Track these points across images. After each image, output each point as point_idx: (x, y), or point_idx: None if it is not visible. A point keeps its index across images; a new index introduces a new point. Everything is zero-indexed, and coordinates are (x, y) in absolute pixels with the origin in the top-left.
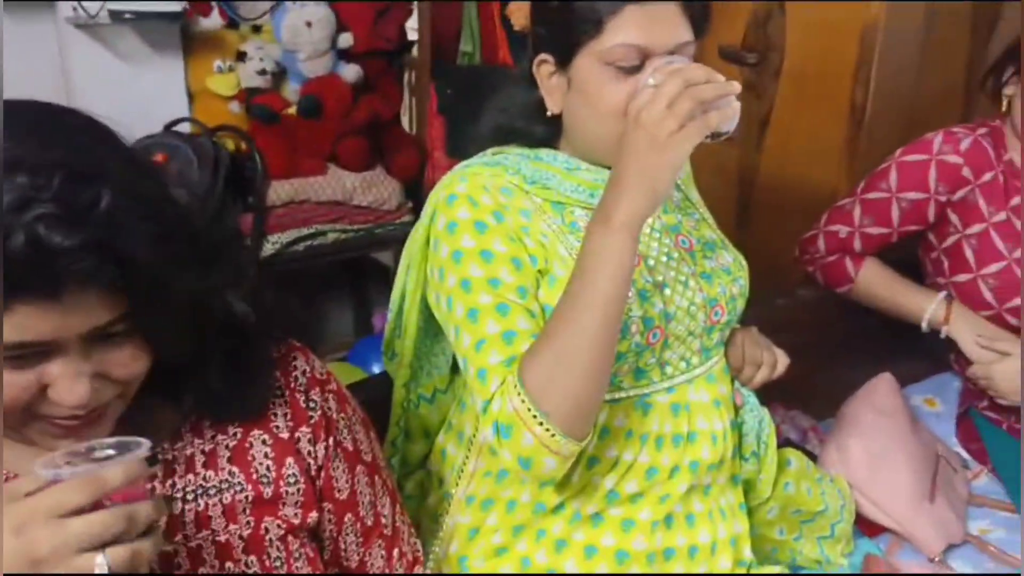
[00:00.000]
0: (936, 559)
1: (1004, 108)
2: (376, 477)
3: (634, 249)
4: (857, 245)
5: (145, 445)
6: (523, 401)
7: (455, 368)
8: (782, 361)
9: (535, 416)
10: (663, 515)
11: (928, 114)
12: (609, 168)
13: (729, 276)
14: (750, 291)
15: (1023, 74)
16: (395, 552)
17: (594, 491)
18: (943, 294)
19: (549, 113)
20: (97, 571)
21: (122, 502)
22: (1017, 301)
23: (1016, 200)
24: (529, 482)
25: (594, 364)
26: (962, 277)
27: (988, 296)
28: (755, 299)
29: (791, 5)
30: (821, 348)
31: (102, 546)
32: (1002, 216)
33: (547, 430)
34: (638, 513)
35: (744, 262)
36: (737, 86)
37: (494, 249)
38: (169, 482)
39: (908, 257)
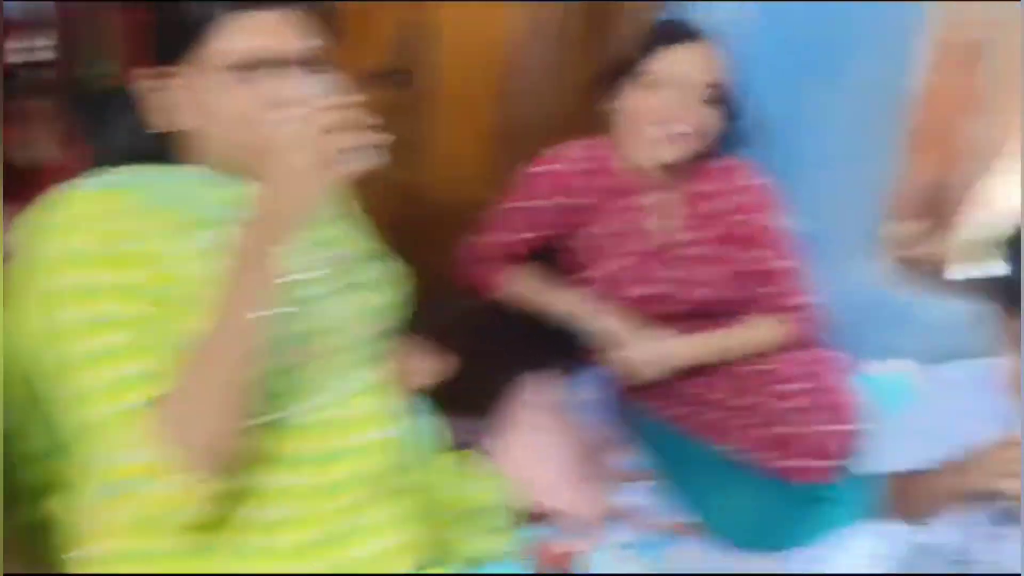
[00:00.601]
0: (594, 534)
1: (610, 121)
2: None
3: (269, 279)
4: (506, 253)
5: None
6: (154, 450)
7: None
8: (444, 367)
9: (168, 464)
10: (328, 534)
11: (562, 129)
12: (240, 179)
13: (385, 287)
14: (415, 302)
15: None
16: None
17: (245, 523)
18: (582, 291)
19: (174, 130)
20: None
21: None
22: (640, 291)
23: (636, 200)
24: (167, 529)
25: (232, 401)
26: (592, 273)
27: (614, 289)
28: (418, 309)
29: (438, 28)
30: (482, 353)
31: None
32: (618, 217)
33: (183, 477)
34: (299, 536)
35: (400, 273)
36: (377, 138)
37: (101, 283)
38: None
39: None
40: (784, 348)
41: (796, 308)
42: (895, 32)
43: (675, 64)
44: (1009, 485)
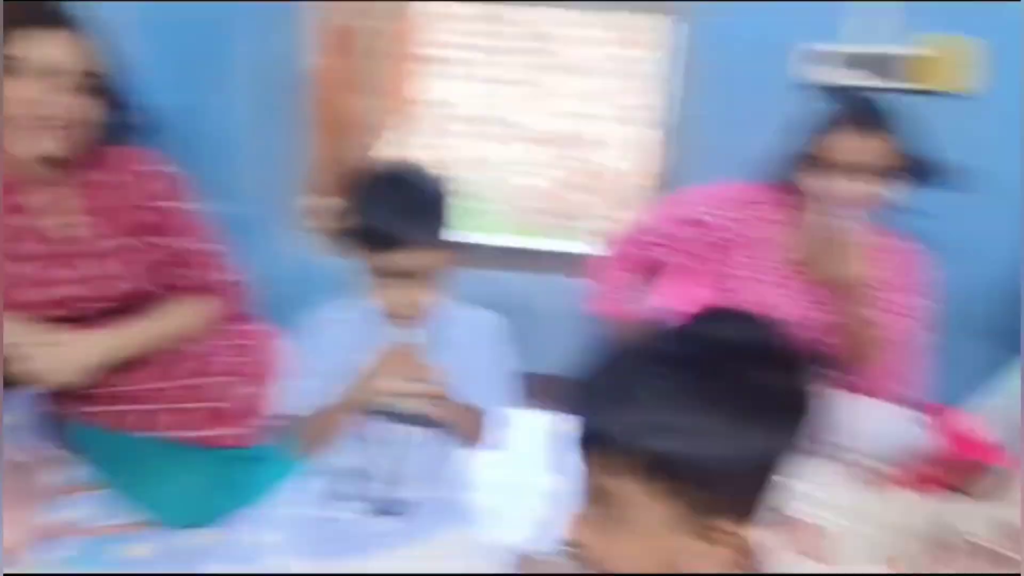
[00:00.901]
0: (23, 559)
1: None
2: None
3: None
4: None
5: None
6: None
7: None
8: None
9: None
10: None
11: None
12: None
13: None
14: None
15: None
16: None
17: None
18: None
19: None
20: None
21: None
22: (44, 295)
23: (24, 198)
24: None
25: None
26: None
27: (14, 297)
28: None
29: None
30: None
31: None
32: (7, 218)
33: None
34: None
35: None
36: None
37: None
38: None
39: None
40: (211, 326)
41: (218, 287)
42: (274, 18)
43: (42, 50)
44: (391, 386)
